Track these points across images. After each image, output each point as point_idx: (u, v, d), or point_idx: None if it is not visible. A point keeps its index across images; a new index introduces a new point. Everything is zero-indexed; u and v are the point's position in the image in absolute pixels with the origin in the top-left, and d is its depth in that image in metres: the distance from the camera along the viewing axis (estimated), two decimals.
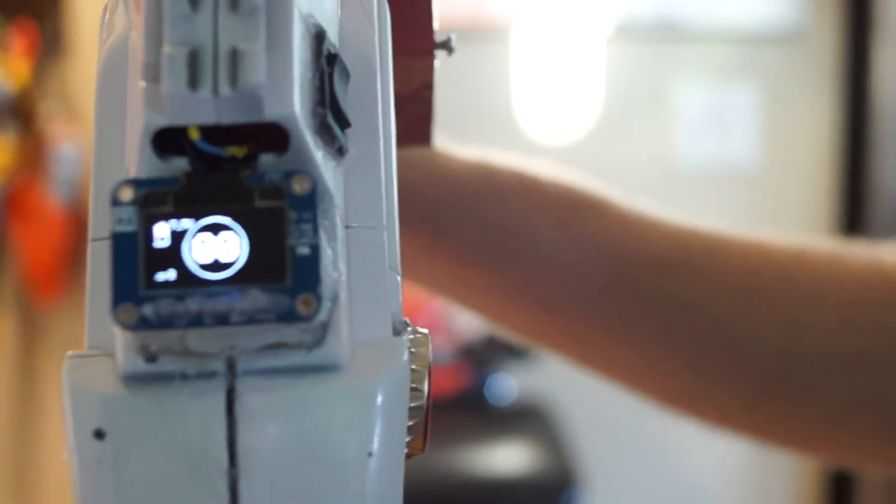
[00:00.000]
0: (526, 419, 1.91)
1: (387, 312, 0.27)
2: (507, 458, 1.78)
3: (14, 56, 1.89)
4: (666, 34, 2.04)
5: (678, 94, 2.05)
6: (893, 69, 1.99)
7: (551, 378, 1.87)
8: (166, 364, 0.25)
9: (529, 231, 0.52)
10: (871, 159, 2.02)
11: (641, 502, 2.12)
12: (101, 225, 0.27)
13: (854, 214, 2.06)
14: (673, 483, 2.12)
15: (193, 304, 0.24)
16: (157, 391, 0.25)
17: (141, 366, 0.25)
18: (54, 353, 2.03)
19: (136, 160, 0.26)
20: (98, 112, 0.29)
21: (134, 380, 0.25)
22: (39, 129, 1.91)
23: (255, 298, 0.24)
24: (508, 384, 1.94)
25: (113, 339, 0.26)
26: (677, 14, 2.04)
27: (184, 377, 0.25)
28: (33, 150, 1.90)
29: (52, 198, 1.89)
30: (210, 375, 0.25)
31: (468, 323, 1.85)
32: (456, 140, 0.50)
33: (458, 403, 1.86)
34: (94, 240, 0.27)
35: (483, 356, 1.90)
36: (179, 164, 0.26)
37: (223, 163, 0.26)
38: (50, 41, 1.92)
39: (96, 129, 0.28)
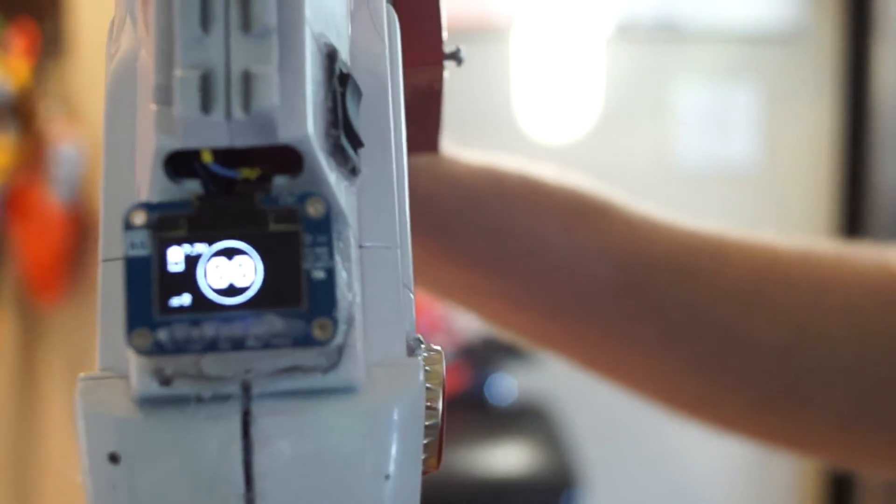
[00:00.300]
0: (526, 419, 1.91)
1: (401, 332, 0.27)
2: (507, 458, 1.78)
3: (14, 56, 1.89)
4: (666, 34, 2.04)
5: (678, 94, 2.05)
6: (893, 69, 1.98)
7: (551, 378, 1.87)
8: (181, 387, 0.25)
9: (535, 235, 0.52)
10: (871, 159, 2.02)
11: (641, 502, 2.12)
12: (111, 245, 0.27)
13: (854, 214, 2.06)
14: (672, 483, 2.12)
15: (209, 329, 0.24)
16: (172, 414, 0.25)
17: (155, 389, 0.25)
18: (54, 353, 2.02)
19: (147, 183, 0.25)
20: (107, 131, 0.28)
21: (148, 403, 0.25)
22: (39, 129, 1.91)
23: (271, 323, 0.24)
24: (508, 384, 1.94)
25: (126, 360, 0.26)
26: (677, 14, 2.03)
27: (199, 400, 0.25)
28: (33, 150, 1.90)
29: (52, 198, 1.89)
30: (225, 399, 0.25)
31: (468, 323, 1.85)
32: (456, 140, 0.50)
33: (458, 403, 1.86)
34: (104, 260, 0.27)
35: (483, 356, 1.90)
36: (192, 187, 0.25)
37: (236, 185, 0.26)
38: (50, 41, 1.92)
39: (105, 148, 0.28)
